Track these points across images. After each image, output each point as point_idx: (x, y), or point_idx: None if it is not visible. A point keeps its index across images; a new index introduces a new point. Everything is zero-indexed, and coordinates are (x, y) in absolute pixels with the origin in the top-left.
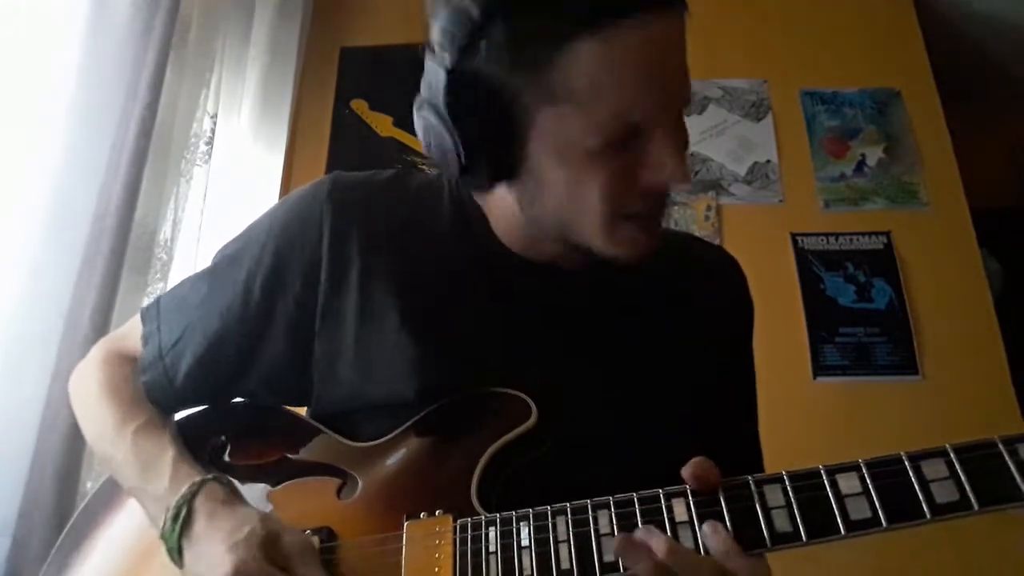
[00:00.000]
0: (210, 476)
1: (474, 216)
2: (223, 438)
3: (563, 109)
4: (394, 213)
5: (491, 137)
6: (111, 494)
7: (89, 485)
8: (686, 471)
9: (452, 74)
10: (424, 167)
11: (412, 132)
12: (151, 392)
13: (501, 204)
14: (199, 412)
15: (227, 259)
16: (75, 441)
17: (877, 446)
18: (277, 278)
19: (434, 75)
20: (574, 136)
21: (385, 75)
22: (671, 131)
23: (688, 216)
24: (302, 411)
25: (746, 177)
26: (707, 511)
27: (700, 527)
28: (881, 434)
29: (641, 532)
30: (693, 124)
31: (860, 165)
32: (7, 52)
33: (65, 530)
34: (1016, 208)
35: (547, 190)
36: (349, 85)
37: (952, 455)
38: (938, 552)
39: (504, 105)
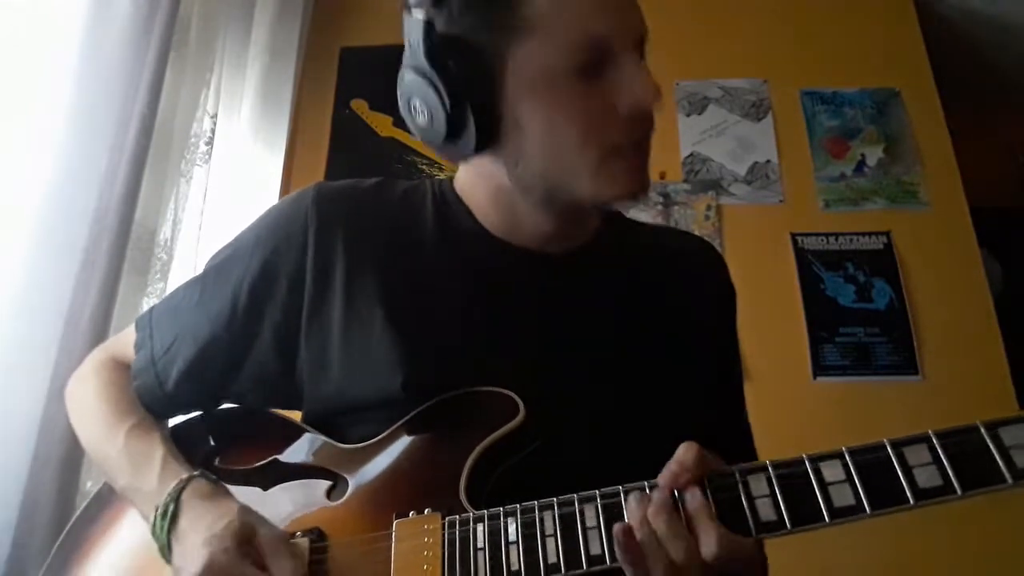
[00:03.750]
0: (196, 472)
1: (458, 211)
2: (214, 443)
3: (532, 42)
4: (378, 217)
5: (472, 85)
6: (111, 496)
7: (89, 485)
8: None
9: (429, 25)
10: (423, 167)
11: (412, 132)
12: (143, 397)
13: (485, 185)
14: (191, 419)
15: (216, 268)
16: (75, 442)
17: None
18: (264, 284)
19: (413, 32)
20: (546, 63)
21: (385, 75)
22: (636, 59)
23: (688, 216)
24: (295, 416)
25: (746, 177)
26: None
27: (683, 496)
28: (881, 434)
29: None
30: (693, 124)
31: (860, 165)
32: (6, 52)
33: (65, 531)
34: (1016, 208)
35: (530, 139)
36: (349, 85)
37: (935, 440)
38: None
39: (479, 55)
